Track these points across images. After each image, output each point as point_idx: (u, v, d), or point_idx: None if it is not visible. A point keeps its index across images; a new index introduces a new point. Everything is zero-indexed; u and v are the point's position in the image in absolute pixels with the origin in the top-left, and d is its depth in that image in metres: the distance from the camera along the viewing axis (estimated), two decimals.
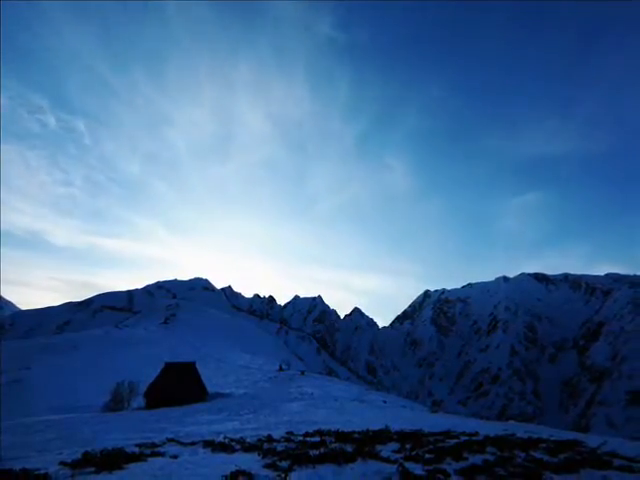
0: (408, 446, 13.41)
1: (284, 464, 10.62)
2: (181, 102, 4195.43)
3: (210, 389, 51.25)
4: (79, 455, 12.49)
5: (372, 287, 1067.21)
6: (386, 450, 12.66)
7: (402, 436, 16.12)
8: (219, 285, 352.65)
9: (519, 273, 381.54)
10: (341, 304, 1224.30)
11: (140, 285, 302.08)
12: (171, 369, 50.42)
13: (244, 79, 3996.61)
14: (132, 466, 10.89)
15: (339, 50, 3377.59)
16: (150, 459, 12.07)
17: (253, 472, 9.52)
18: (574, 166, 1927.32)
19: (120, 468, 10.53)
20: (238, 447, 14.18)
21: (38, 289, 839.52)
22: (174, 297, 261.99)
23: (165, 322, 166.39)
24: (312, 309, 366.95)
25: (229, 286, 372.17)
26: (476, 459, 10.93)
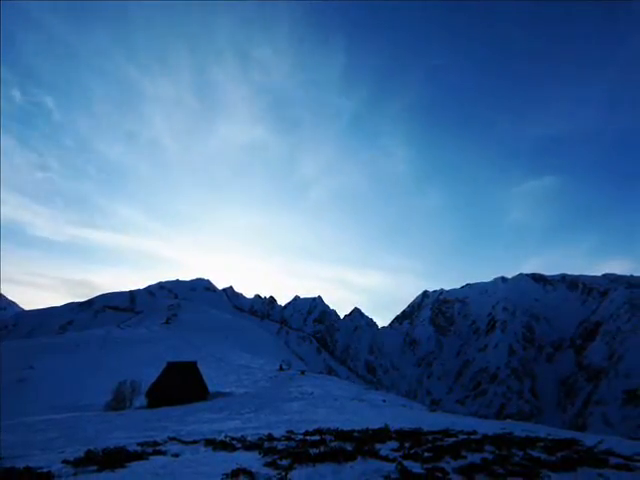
0: (407, 445, 13.40)
1: (285, 462, 10.62)
2: (154, 73, 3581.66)
3: (211, 388, 51.19)
4: (82, 453, 12.48)
5: (370, 284, 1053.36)
6: (385, 449, 12.65)
7: (401, 435, 16.11)
8: (220, 286, 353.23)
9: (517, 274, 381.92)
10: (340, 303, 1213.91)
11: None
12: (173, 369, 50.36)
13: (225, 45, 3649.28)
14: (134, 464, 10.88)
15: (333, 11, 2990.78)
16: (152, 457, 12.07)
17: (254, 470, 9.52)
18: (586, 151, 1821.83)
19: (122, 466, 10.53)
20: (239, 446, 14.17)
21: (20, 285, 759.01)
22: (176, 297, 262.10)
23: (167, 322, 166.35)
24: (312, 309, 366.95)
25: (230, 286, 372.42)
26: (474, 457, 10.92)
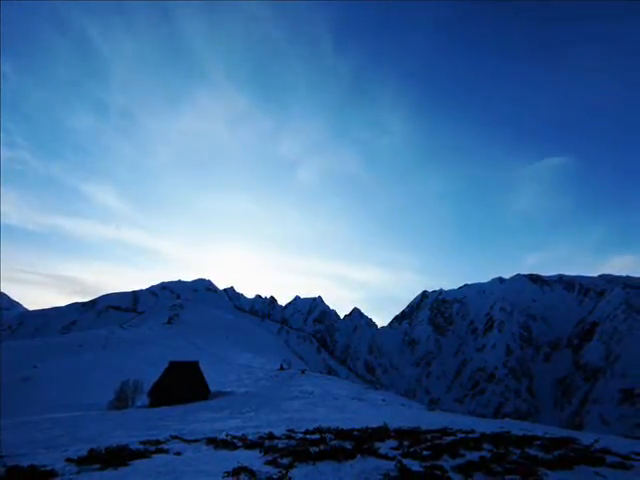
0: (406, 443, 13.39)
1: (285, 461, 10.61)
2: (113, 30, 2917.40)
3: (212, 388, 51.17)
4: (85, 452, 12.48)
5: (368, 280, 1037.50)
6: (384, 447, 12.65)
7: (400, 433, 16.09)
8: (222, 286, 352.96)
9: (514, 274, 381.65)
10: (340, 303, 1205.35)
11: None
12: (175, 368, 50.35)
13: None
14: (137, 462, 10.88)
15: None
16: (154, 456, 12.07)
17: (255, 469, 9.51)
18: (600, 130, 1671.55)
19: (125, 465, 10.53)
20: (240, 444, 14.16)
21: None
22: (178, 298, 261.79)
23: (169, 322, 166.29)
24: (312, 309, 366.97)
25: (231, 287, 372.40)
26: (472, 456, 10.91)
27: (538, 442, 13.50)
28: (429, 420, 24.14)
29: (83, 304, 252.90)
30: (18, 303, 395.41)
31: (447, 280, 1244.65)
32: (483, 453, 11.36)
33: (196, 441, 15.40)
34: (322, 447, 12.48)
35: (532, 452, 11.63)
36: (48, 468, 9.98)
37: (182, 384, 47.84)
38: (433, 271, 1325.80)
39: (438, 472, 9.20)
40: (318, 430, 17.79)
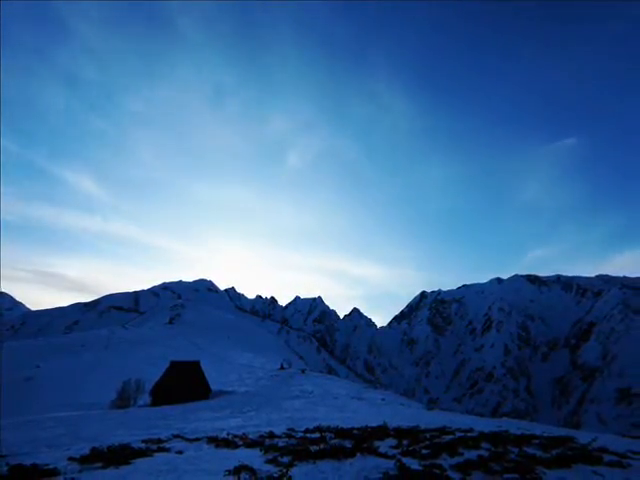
0: (405, 442, 13.38)
1: (285, 459, 10.62)
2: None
3: (214, 387, 51.12)
4: (87, 451, 12.49)
5: (367, 276, 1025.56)
6: (384, 446, 12.65)
7: (399, 432, 16.08)
8: (223, 286, 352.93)
9: (512, 274, 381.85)
10: (339, 303, 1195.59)
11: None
12: (176, 368, 50.30)
13: None
14: (138, 461, 10.89)
15: None
16: (156, 454, 12.06)
17: (255, 467, 9.51)
18: (617, 111, 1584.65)
19: (127, 463, 10.53)
20: (241, 443, 14.16)
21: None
22: (179, 298, 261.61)
23: (170, 322, 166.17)
24: (312, 310, 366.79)
25: (232, 287, 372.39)
26: (471, 454, 10.91)
27: (536, 441, 13.49)
28: (428, 419, 24.12)
29: (85, 304, 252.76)
30: (21, 303, 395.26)
31: (448, 276, 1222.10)
32: (481, 452, 11.36)
33: (197, 440, 15.40)
34: (322, 446, 12.48)
35: (530, 451, 11.62)
36: (50, 467, 9.98)
37: (183, 384, 47.79)
38: (433, 267, 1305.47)
39: (437, 471, 9.20)
40: (318, 429, 17.79)
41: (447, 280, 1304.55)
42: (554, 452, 11.36)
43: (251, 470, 9.21)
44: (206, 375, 50.79)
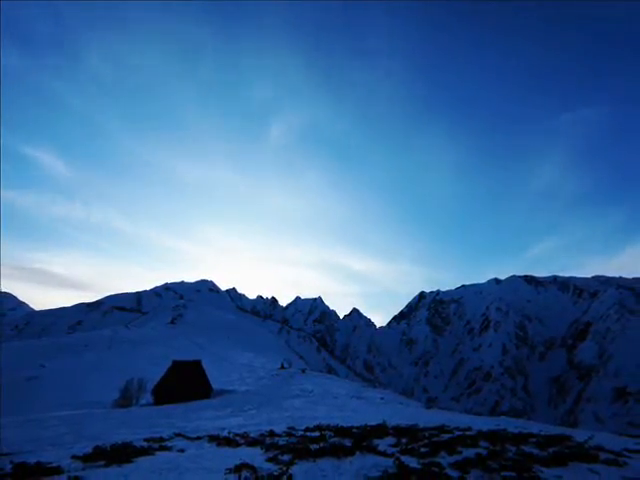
0: (404, 440, 13.37)
1: (286, 458, 10.61)
2: None
3: (215, 386, 51.05)
4: (90, 449, 12.48)
5: (363, 270, 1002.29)
6: (383, 444, 12.64)
7: (398, 431, 16.06)
8: (224, 287, 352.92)
9: (510, 275, 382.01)
10: (339, 304, 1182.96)
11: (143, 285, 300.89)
12: (178, 367, 50.26)
13: None
14: (141, 460, 10.88)
15: None
16: (158, 453, 12.06)
17: (256, 465, 9.51)
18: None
19: (129, 461, 10.53)
20: (242, 442, 14.15)
21: None
22: (181, 298, 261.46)
23: (172, 322, 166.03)
24: (312, 310, 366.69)
25: (233, 288, 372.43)
26: (469, 453, 10.90)
27: (533, 439, 13.47)
28: (427, 418, 24.09)
29: (88, 304, 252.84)
30: (24, 303, 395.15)
31: (451, 272, 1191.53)
32: (479, 450, 11.35)
33: (199, 438, 15.39)
34: (322, 444, 12.47)
35: (527, 449, 11.61)
36: (54, 465, 9.98)
37: (185, 383, 47.73)
38: (431, 261, 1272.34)
39: (435, 469, 9.20)
40: (318, 428, 17.78)
41: (447, 276, 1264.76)
42: (551, 450, 11.34)
43: (252, 468, 9.20)
44: (207, 374, 50.72)
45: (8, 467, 9.82)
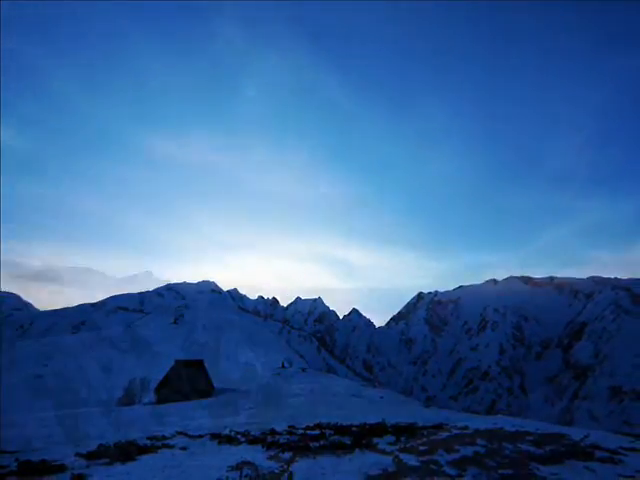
0: (403, 438, 13.36)
1: (286, 455, 10.61)
2: None
3: (217, 385, 50.97)
4: (94, 447, 12.46)
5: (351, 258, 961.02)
6: (382, 442, 12.63)
7: (397, 429, 16.05)
8: (226, 287, 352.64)
9: (507, 276, 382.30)
10: (339, 304, 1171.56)
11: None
12: (180, 366, 50.19)
13: None
14: (144, 457, 10.88)
15: None
16: (160, 451, 12.05)
17: (257, 463, 9.51)
18: None
19: (132, 459, 10.53)
20: (243, 439, 14.13)
21: None
22: (183, 299, 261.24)
23: (175, 322, 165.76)
24: (313, 310, 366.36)
25: (235, 288, 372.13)
26: (467, 451, 10.90)
27: (530, 438, 13.47)
28: (425, 416, 24.05)
29: (92, 304, 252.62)
30: (29, 303, 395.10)
31: (455, 268, 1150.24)
32: (477, 448, 11.34)
33: (201, 437, 15.37)
34: (322, 442, 12.47)
35: (524, 447, 11.60)
36: (58, 462, 9.98)
37: (187, 382, 47.65)
38: (437, 253, 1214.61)
39: (434, 466, 9.19)
40: (318, 426, 17.75)
41: (456, 269, 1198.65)
42: (547, 448, 11.34)
43: (253, 466, 9.20)
44: (209, 373, 50.68)
45: (14, 465, 9.82)
